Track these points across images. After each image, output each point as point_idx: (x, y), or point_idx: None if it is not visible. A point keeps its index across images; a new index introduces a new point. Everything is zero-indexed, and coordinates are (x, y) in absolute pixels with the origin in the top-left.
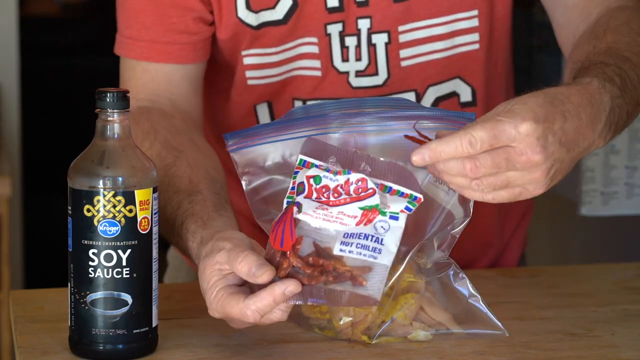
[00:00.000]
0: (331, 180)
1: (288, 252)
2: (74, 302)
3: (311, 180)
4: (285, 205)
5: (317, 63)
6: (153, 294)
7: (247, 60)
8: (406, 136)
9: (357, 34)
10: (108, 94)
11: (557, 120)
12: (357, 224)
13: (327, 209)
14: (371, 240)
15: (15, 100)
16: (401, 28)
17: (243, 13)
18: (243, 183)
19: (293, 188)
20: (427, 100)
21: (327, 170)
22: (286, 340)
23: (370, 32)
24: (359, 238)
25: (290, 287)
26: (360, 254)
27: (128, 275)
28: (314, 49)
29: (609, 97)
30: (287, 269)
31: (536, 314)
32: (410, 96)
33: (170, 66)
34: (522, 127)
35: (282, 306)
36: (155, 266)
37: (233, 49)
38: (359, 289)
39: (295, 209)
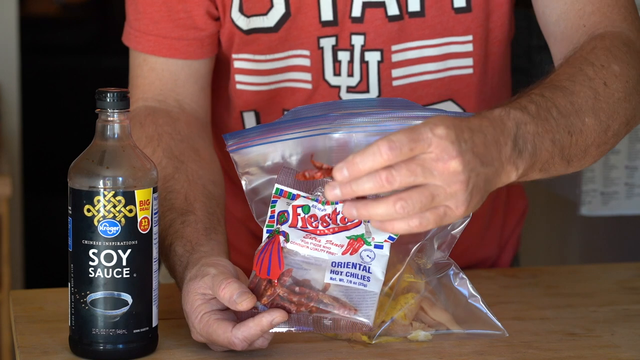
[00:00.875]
0: (319, 210)
1: (275, 281)
2: (74, 302)
3: (299, 210)
4: (266, 235)
5: (308, 76)
6: (153, 294)
7: (237, 64)
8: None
9: (351, 49)
10: (108, 94)
11: (465, 131)
12: (344, 253)
13: (315, 238)
14: (359, 269)
15: (15, 100)
16: (394, 47)
17: (236, 15)
18: (243, 183)
19: (272, 217)
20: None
21: (316, 200)
22: (286, 340)
23: (363, 49)
24: (347, 267)
25: (277, 317)
26: (351, 282)
27: (128, 275)
28: (306, 62)
29: (513, 123)
30: (270, 297)
31: (536, 314)
32: None
33: (177, 62)
34: (437, 130)
35: (266, 335)
36: (155, 266)
37: (227, 50)
38: (352, 315)
39: (281, 238)
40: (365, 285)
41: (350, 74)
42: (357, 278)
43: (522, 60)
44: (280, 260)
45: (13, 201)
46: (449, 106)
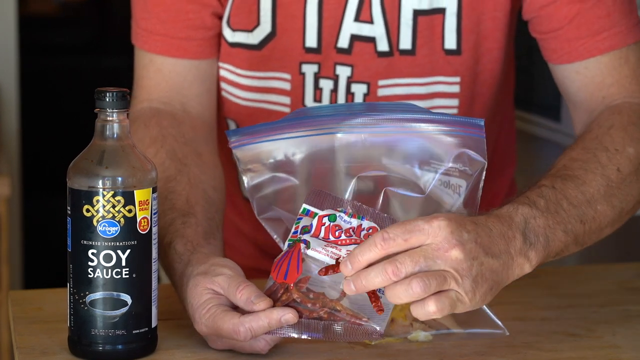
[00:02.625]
0: (345, 222)
1: (291, 286)
2: (73, 302)
3: (325, 219)
4: (286, 246)
5: (286, 99)
6: (152, 294)
7: (222, 72)
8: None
9: (335, 79)
10: (107, 94)
11: (468, 223)
12: None
13: (335, 247)
14: None
15: (15, 100)
16: (381, 82)
17: (224, 24)
18: (245, 180)
19: (296, 232)
20: None
21: (344, 211)
22: (286, 340)
23: (350, 81)
24: None
25: (287, 315)
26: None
27: (127, 276)
28: (286, 85)
29: (521, 218)
30: (285, 302)
31: (537, 315)
32: None
33: (185, 63)
34: (434, 222)
35: (268, 337)
36: (154, 266)
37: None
38: (363, 323)
39: (302, 245)
40: (382, 294)
41: (335, 103)
42: None
43: (522, 60)
44: (298, 265)
45: (12, 201)
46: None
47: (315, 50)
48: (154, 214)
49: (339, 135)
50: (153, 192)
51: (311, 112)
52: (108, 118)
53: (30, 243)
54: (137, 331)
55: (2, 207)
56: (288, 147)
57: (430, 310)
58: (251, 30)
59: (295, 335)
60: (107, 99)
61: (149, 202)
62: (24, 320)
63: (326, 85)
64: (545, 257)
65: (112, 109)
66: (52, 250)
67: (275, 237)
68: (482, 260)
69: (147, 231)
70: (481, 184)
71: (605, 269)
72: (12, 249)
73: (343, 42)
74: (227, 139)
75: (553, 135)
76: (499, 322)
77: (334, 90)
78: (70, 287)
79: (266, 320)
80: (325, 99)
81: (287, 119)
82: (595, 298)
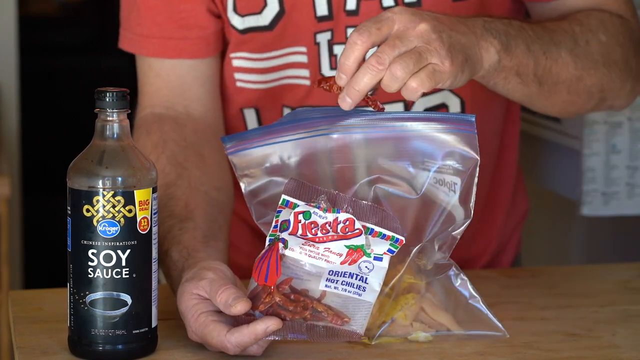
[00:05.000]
0: (320, 217)
1: (272, 288)
2: (73, 302)
3: (300, 216)
4: (267, 243)
5: (306, 72)
6: (153, 294)
7: (235, 63)
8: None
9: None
10: (107, 94)
11: (426, 12)
12: (342, 263)
13: (313, 245)
14: (356, 279)
15: (15, 100)
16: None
17: (230, 14)
18: (242, 185)
19: (276, 226)
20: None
21: (317, 207)
22: (286, 340)
23: None
24: (343, 276)
25: (272, 326)
26: (345, 290)
27: (127, 276)
28: (303, 59)
29: (480, 20)
30: (267, 304)
31: (537, 315)
32: (399, 107)
33: (184, 64)
34: (395, 9)
35: (261, 342)
36: (154, 266)
37: (225, 48)
38: (344, 325)
39: (280, 245)
40: (359, 295)
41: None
42: (353, 287)
43: None
44: (277, 267)
45: (12, 201)
46: (446, 95)
47: (327, 18)
48: (154, 214)
49: (333, 136)
50: (153, 192)
51: (304, 114)
52: (108, 118)
53: (30, 243)
54: (137, 331)
55: (2, 207)
56: (283, 150)
57: (412, 87)
58: (260, 12)
59: (279, 338)
60: (107, 99)
61: (149, 202)
62: (24, 320)
63: (340, 50)
64: (508, 57)
65: (112, 109)
66: (52, 250)
67: None
68: (450, 34)
69: (147, 231)
70: (475, 180)
71: (605, 269)
72: (12, 249)
73: (351, 4)
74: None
75: (553, 135)
76: (499, 324)
77: None
78: (70, 287)
79: (252, 335)
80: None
81: (281, 122)
82: (595, 298)
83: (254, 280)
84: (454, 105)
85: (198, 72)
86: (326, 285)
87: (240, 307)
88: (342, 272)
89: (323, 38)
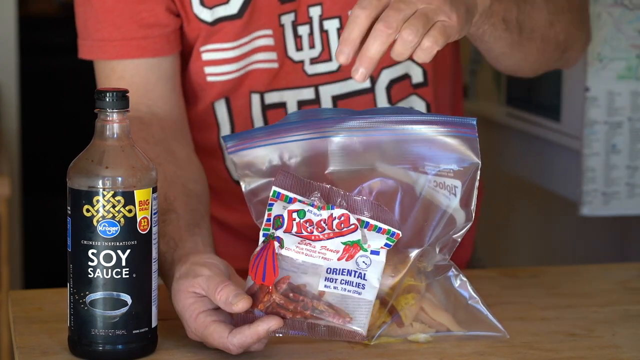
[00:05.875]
0: (315, 215)
1: (270, 288)
2: (73, 302)
3: (294, 215)
4: (262, 239)
5: (273, 55)
6: (152, 295)
7: (205, 56)
8: None
9: (309, 22)
10: (107, 94)
11: None
12: (339, 259)
13: (309, 244)
14: (354, 276)
15: (15, 100)
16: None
17: (198, 9)
18: (242, 185)
19: (269, 220)
20: (382, 83)
21: (312, 204)
22: (286, 340)
23: (321, 19)
24: (342, 274)
25: (273, 325)
26: (345, 289)
27: (127, 276)
28: (270, 41)
29: None
30: (266, 303)
31: (537, 315)
32: (366, 83)
33: (147, 64)
34: None
35: (263, 340)
36: (154, 266)
37: (192, 45)
38: (346, 324)
39: (276, 244)
40: (359, 294)
41: (312, 46)
42: (352, 286)
43: None
44: (274, 266)
45: (12, 201)
46: (409, 65)
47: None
48: (154, 214)
49: (333, 138)
50: (153, 192)
51: (306, 115)
52: (108, 118)
53: (30, 243)
54: (137, 331)
55: (2, 207)
56: (284, 151)
57: (426, 46)
58: (227, 2)
59: (281, 334)
60: (107, 99)
61: (149, 202)
62: (24, 320)
63: (304, 31)
64: (498, 1)
65: (112, 109)
66: (52, 250)
67: None
68: None
69: (147, 231)
70: (476, 184)
71: (605, 269)
72: (12, 249)
73: None
74: (204, 131)
75: (553, 135)
76: (499, 325)
77: (311, 34)
78: (70, 287)
79: (254, 336)
80: (305, 45)
81: (283, 123)
82: (595, 298)
83: (250, 279)
84: (417, 75)
85: (161, 70)
86: (325, 286)
87: (241, 305)
88: (340, 269)
89: (287, 20)
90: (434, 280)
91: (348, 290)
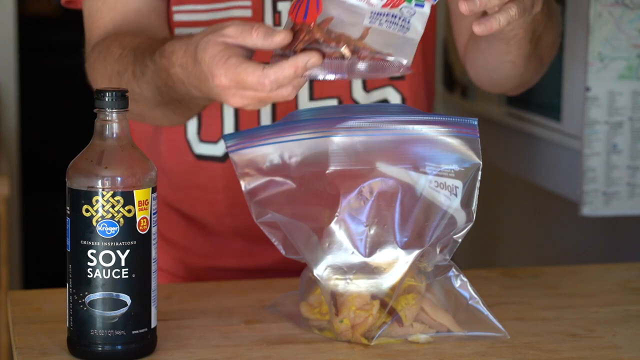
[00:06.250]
0: None
1: (312, 25)
2: (72, 302)
3: None
4: None
5: None
6: (152, 295)
7: (177, 17)
8: None
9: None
10: (107, 94)
11: None
12: (384, 6)
13: None
14: (399, 19)
15: (14, 100)
16: None
17: None
18: (242, 184)
19: None
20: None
21: None
22: (286, 341)
23: None
24: (386, 16)
25: (313, 59)
26: (390, 27)
27: (127, 276)
28: (247, 13)
29: None
30: (306, 42)
31: (537, 315)
32: (333, 102)
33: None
34: None
35: (295, 81)
36: (154, 266)
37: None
38: (389, 57)
39: None
40: (404, 32)
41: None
42: (397, 25)
43: None
44: (318, 3)
45: (11, 201)
46: (388, 92)
47: None
48: (154, 214)
49: (334, 138)
50: (152, 192)
51: (307, 115)
52: (107, 118)
53: (30, 243)
54: (137, 331)
55: (2, 207)
56: (284, 150)
57: (512, 13)
58: None
59: (321, 77)
60: (107, 99)
61: (148, 202)
62: (23, 321)
63: (284, 7)
64: (543, 10)
65: (112, 109)
66: (51, 250)
67: (274, 240)
68: None
69: (146, 231)
70: (477, 184)
71: (605, 269)
72: (11, 249)
73: None
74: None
75: (553, 135)
76: (500, 326)
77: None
78: (69, 287)
79: (292, 69)
80: (283, 22)
81: (283, 122)
82: (595, 298)
83: (290, 20)
84: (395, 100)
85: (152, 5)
86: (370, 22)
87: (283, 36)
88: (385, 13)
89: None
90: (434, 281)
91: (392, 28)
